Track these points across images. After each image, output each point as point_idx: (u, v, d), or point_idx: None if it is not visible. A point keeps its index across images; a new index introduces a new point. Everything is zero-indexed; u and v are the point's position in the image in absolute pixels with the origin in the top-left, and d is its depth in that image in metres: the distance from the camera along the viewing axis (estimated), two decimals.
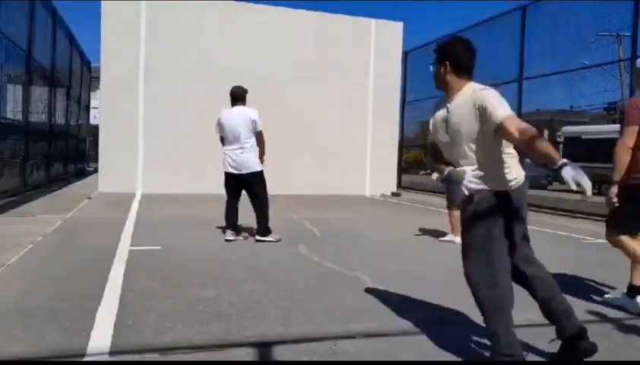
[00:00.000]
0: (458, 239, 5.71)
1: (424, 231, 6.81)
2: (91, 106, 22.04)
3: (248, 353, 2.49)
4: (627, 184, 3.30)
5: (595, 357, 2.61)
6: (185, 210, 8.50)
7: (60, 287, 3.52)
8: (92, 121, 21.83)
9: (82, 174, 17.23)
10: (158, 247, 5.04)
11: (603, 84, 10.07)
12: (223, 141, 5.71)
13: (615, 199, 3.36)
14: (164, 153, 11.36)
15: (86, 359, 2.37)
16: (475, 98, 2.39)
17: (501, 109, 2.29)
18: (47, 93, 12.09)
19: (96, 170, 12.99)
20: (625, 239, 3.41)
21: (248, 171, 5.56)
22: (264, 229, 5.63)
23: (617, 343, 2.80)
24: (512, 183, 2.44)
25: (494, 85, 13.36)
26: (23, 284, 3.59)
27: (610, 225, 3.51)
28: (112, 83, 11.26)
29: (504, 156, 2.43)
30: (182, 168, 11.40)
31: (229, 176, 5.65)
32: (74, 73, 16.09)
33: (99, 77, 11.57)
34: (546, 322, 3.15)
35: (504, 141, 2.37)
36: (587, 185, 2.22)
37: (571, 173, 2.24)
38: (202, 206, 9.08)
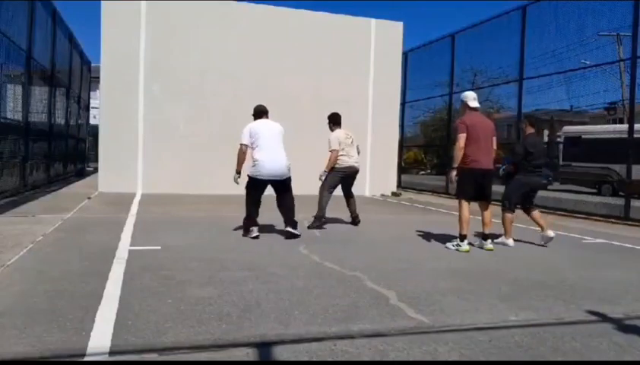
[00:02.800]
0: (511, 242, 5.97)
1: (424, 231, 6.82)
2: (91, 106, 22.05)
3: (248, 353, 2.49)
4: (462, 168, 5.51)
5: (595, 357, 2.61)
6: (185, 210, 8.50)
7: (60, 286, 3.51)
8: (92, 121, 21.84)
9: (82, 174, 17.22)
10: (158, 247, 5.04)
11: (603, 84, 10.07)
12: (243, 150, 5.95)
13: (455, 178, 5.60)
14: (164, 153, 11.37)
15: (86, 359, 2.37)
16: None
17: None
18: (47, 93, 12.10)
19: (96, 170, 12.99)
20: (464, 202, 5.60)
21: (288, 176, 6.03)
22: (294, 223, 6.01)
23: (617, 343, 2.80)
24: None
25: (494, 85, 13.40)
26: (23, 283, 3.58)
27: (457, 194, 5.76)
28: (112, 83, 11.26)
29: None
30: (182, 168, 11.41)
31: (265, 182, 5.92)
32: (74, 73, 16.09)
33: (99, 77, 11.56)
34: (546, 322, 3.16)
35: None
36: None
37: None
38: (202, 206, 9.08)
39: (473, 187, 5.61)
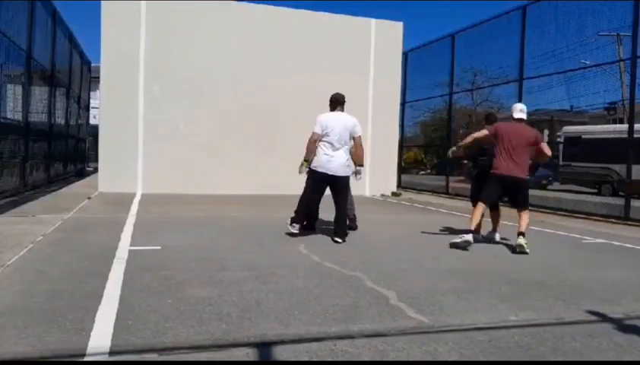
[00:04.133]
0: (478, 236, 6.06)
1: (424, 231, 6.82)
2: (91, 106, 22.05)
3: (248, 354, 2.49)
4: (491, 173, 5.76)
5: (595, 357, 2.61)
6: (185, 210, 8.50)
7: (60, 286, 3.51)
8: (92, 121, 21.84)
9: (82, 174, 17.22)
10: (158, 247, 5.03)
11: (603, 84, 10.08)
12: (317, 139, 5.79)
13: (451, 152, 6.28)
14: (164, 153, 11.37)
15: (86, 359, 2.37)
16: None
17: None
18: (47, 93, 12.09)
19: (96, 170, 12.99)
20: (480, 203, 5.81)
21: (346, 174, 5.83)
22: (343, 231, 5.81)
23: (617, 343, 2.80)
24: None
25: (494, 85, 13.36)
26: (23, 283, 3.58)
27: (480, 196, 5.91)
28: (112, 83, 11.26)
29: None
30: (182, 168, 11.41)
31: (323, 177, 5.75)
32: (74, 73, 16.08)
33: (99, 77, 11.56)
34: (546, 322, 3.16)
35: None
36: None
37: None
38: (202, 206, 9.08)
39: (496, 192, 5.83)
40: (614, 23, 9.45)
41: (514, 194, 5.82)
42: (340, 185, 5.85)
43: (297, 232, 5.82)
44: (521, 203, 5.81)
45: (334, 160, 5.70)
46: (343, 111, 5.98)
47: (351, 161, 5.96)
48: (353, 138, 5.88)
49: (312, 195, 5.87)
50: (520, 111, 5.86)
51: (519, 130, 5.75)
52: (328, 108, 6.00)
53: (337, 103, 5.94)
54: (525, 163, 5.71)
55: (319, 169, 5.74)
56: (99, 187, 11.08)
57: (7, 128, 9.10)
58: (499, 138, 5.69)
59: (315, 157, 5.76)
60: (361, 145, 5.97)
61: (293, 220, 5.83)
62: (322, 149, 5.74)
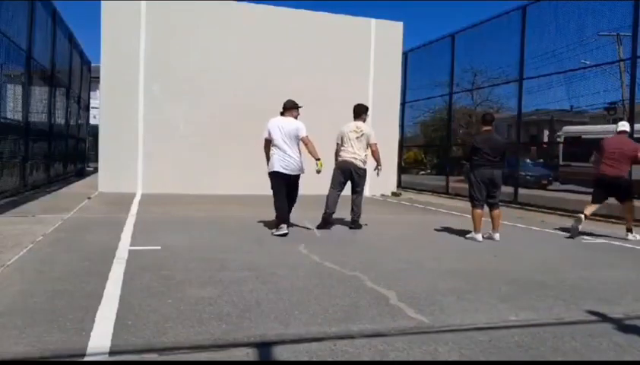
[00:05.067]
0: (479, 237, 6.12)
1: (424, 231, 6.82)
2: (91, 106, 22.05)
3: (248, 354, 2.49)
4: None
5: (595, 357, 2.61)
6: (185, 210, 8.50)
7: (60, 286, 3.51)
8: (92, 121, 21.84)
9: (82, 174, 17.22)
10: (158, 247, 5.03)
11: (603, 84, 10.08)
12: (268, 143, 6.29)
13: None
14: (164, 153, 11.36)
15: (86, 359, 2.37)
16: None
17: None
18: (47, 93, 12.09)
19: (96, 170, 12.99)
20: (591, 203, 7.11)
21: (296, 172, 6.27)
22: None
23: (617, 343, 2.80)
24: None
25: (494, 85, 13.34)
26: (23, 283, 3.58)
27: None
28: (112, 83, 11.26)
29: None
30: (181, 168, 11.41)
31: (280, 176, 6.18)
32: (74, 73, 16.08)
33: (99, 77, 11.56)
34: (546, 322, 3.16)
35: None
36: None
37: None
38: (202, 206, 9.08)
39: (599, 189, 7.04)
40: (614, 23, 9.46)
41: (614, 191, 6.85)
42: (293, 183, 6.33)
43: (287, 231, 6.02)
44: (623, 197, 6.86)
45: (285, 161, 6.14)
46: (296, 116, 6.39)
47: (300, 160, 6.28)
48: (302, 139, 6.24)
49: (278, 194, 6.21)
50: (622, 126, 7.11)
51: (617, 141, 6.93)
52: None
53: (284, 109, 6.42)
54: (623, 167, 6.74)
55: (274, 170, 6.16)
56: (99, 187, 11.08)
57: (7, 128, 9.10)
58: (602, 149, 6.89)
59: (270, 161, 6.23)
60: (310, 143, 6.27)
61: (278, 225, 6.06)
62: (273, 151, 6.21)
